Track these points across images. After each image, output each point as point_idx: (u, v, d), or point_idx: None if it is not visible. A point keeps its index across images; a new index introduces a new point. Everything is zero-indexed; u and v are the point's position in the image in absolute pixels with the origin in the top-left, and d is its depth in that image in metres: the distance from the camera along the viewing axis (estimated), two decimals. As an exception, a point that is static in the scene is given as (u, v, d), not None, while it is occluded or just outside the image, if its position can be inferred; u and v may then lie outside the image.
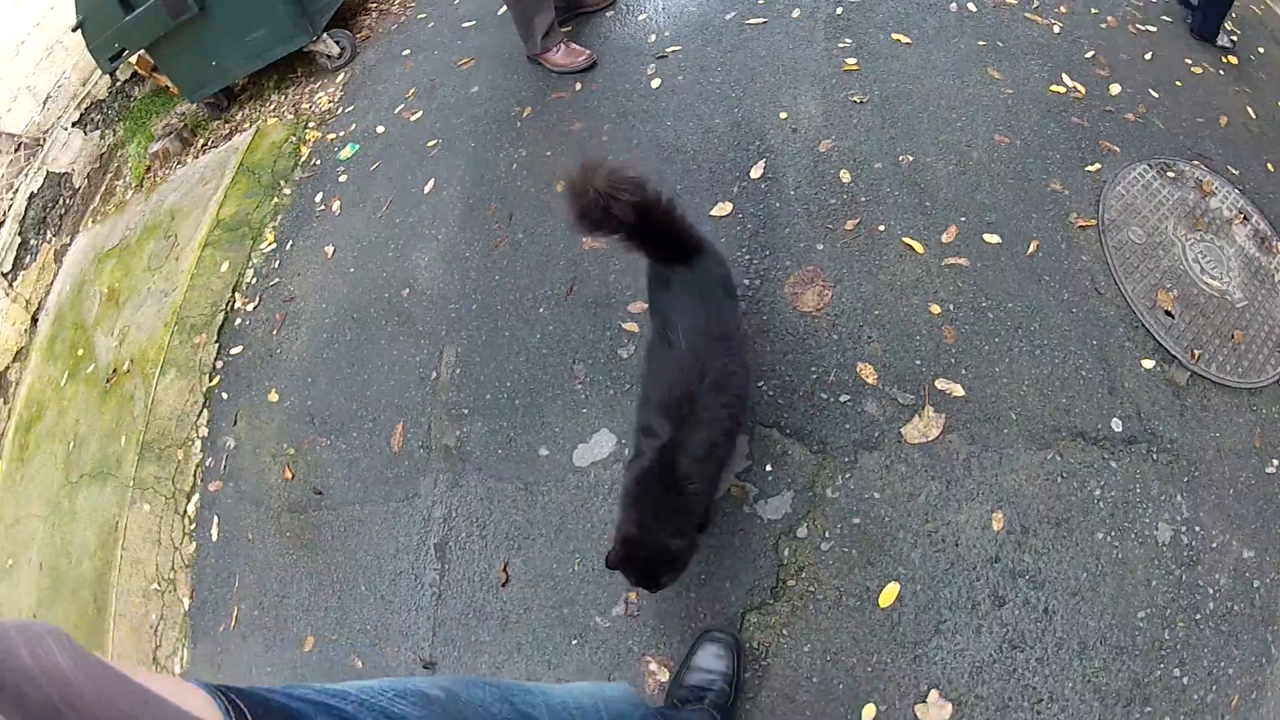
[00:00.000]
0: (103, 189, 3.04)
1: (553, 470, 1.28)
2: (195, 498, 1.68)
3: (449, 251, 1.64)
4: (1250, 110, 1.65)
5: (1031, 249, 1.31)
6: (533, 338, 1.43)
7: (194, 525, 1.66)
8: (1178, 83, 1.63)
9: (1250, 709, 1.08)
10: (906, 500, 1.11)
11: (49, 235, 2.87)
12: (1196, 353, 1.25)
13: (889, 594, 1.05)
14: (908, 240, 1.32)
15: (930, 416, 1.15)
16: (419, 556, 1.33)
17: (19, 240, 2.77)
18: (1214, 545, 1.12)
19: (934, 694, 1.00)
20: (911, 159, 1.42)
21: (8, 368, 2.59)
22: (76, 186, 3.00)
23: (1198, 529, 1.12)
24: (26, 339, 2.61)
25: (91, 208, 2.96)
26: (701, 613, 1.10)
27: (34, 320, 2.65)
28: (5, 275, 2.70)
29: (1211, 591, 1.10)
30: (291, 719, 0.41)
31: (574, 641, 1.14)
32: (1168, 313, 1.29)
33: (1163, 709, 1.03)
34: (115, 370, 2.06)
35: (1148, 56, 1.66)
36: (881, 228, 1.33)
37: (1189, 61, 1.69)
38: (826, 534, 1.10)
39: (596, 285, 1.44)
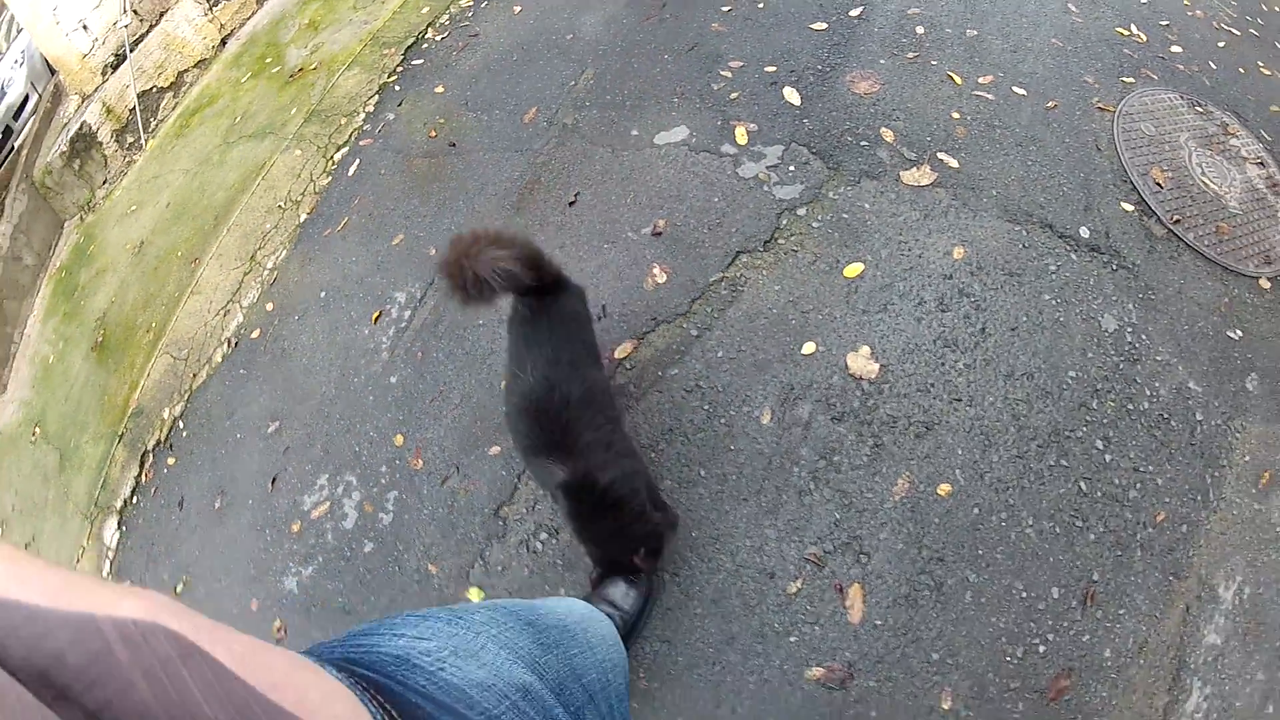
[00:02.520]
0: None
1: (636, 143, 2.34)
2: (345, 149, 2.88)
3: (612, 18, 2.86)
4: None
5: (1050, 105, 2.26)
6: (653, 71, 2.54)
7: (335, 166, 2.85)
8: (1240, 69, 2.55)
9: (1179, 538, 1.69)
10: (889, 216, 2.04)
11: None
12: (1177, 218, 2.10)
13: (854, 270, 1.96)
14: (950, 73, 2.32)
15: (926, 171, 2.10)
16: (512, 187, 2.40)
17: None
18: (1158, 358, 1.88)
19: (866, 349, 1.86)
20: (975, 33, 2.44)
21: (186, 70, 4.06)
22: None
23: (1144, 336, 1.90)
24: (212, 54, 4.08)
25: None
26: (703, 241, 2.07)
27: (223, 42, 4.14)
28: (209, 1, 4.24)
29: (1149, 394, 1.83)
30: None
31: (607, 245, 2.14)
32: (1158, 184, 2.16)
33: (1078, 470, 1.72)
34: (302, 69, 3.40)
35: (1220, 44, 2.61)
36: (934, 62, 2.35)
37: (1260, 63, 2.60)
38: (819, 218, 2.05)
39: (710, 49, 2.53)
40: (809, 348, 1.84)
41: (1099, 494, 1.70)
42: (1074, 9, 2.57)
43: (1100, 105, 2.29)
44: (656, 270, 2.05)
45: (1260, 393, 1.88)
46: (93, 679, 0.29)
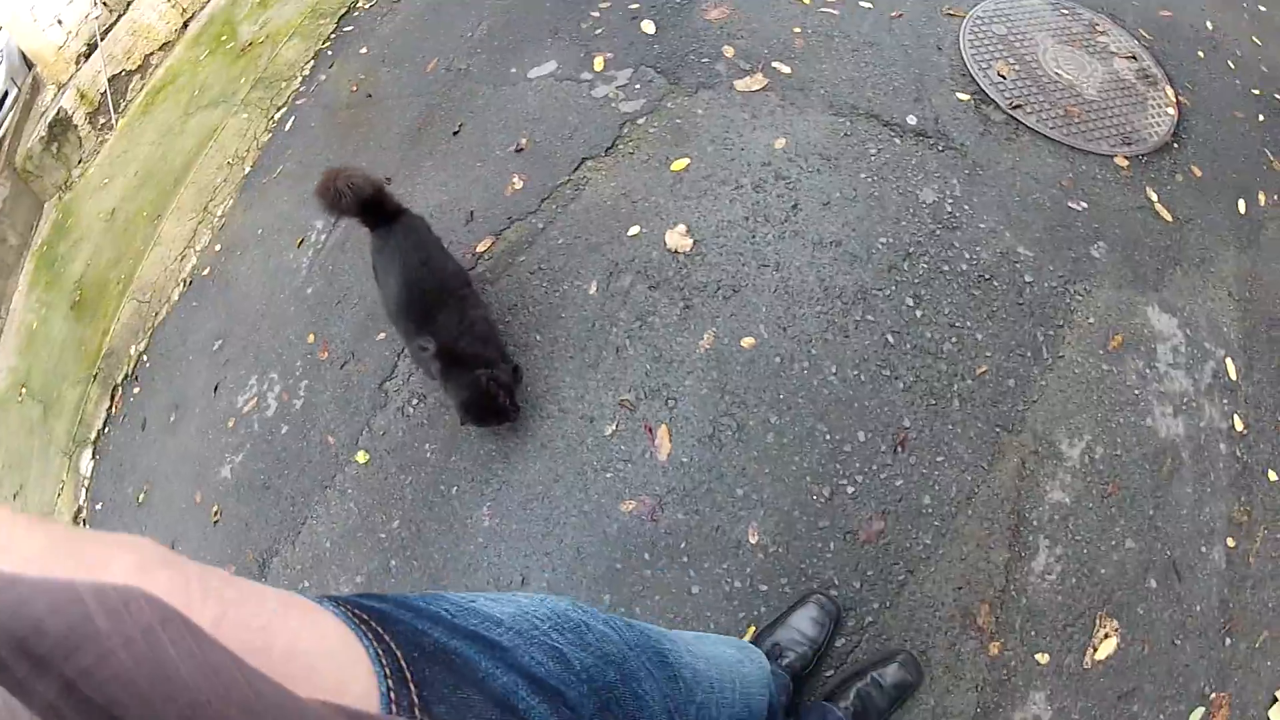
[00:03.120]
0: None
1: (513, 79, 3.08)
2: (284, 109, 3.70)
3: None
4: (1209, 23, 3.04)
5: (895, 14, 2.88)
6: (536, 17, 3.29)
7: (275, 124, 3.67)
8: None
9: (1004, 392, 2.06)
10: (719, 118, 2.70)
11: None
12: (1017, 105, 2.67)
13: (679, 164, 2.64)
14: None
15: (759, 78, 2.76)
16: (412, 125, 3.16)
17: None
18: (982, 226, 2.42)
19: (683, 227, 2.54)
20: None
21: (152, 53, 5.00)
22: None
23: (966, 207, 2.47)
24: (175, 36, 5.01)
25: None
26: (556, 152, 2.77)
27: (185, 25, 5.07)
28: (173, -11, 5.18)
29: (968, 257, 2.38)
30: (451, 664, 0.54)
31: (479, 164, 2.87)
32: (1001, 75, 2.74)
33: (885, 325, 2.25)
34: (252, 43, 4.26)
35: None
36: None
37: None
38: (655, 125, 2.74)
39: None
40: (634, 230, 2.51)
41: (908, 346, 2.13)
42: None
43: (950, 11, 2.89)
44: (516, 179, 2.77)
45: (1110, 261, 2.27)
46: (72, 647, 0.31)
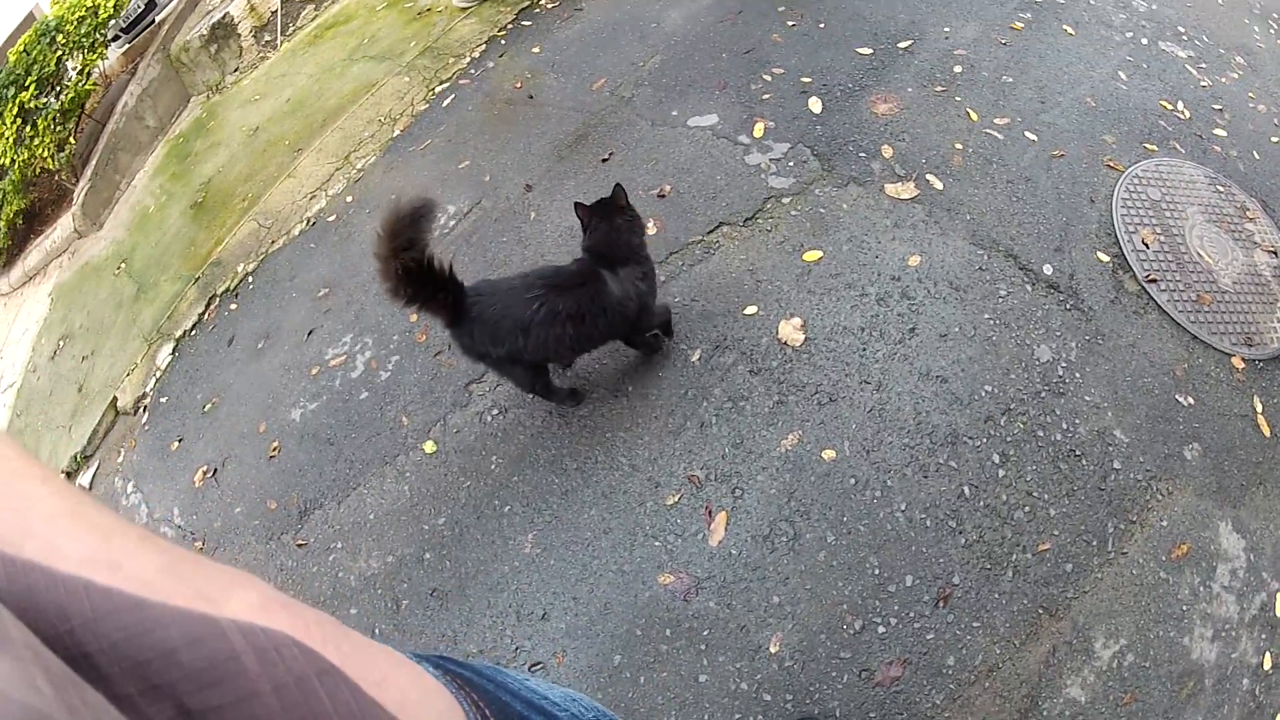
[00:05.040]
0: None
1: (672, 121, 3.23)
2: (446, 85, 3.93)
3: (694, 15, 3.80)
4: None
5: (1056, 153, 2.94)
6: (709, 65, 3.43)
7: (434, 96, 3.89)
8: (1290, 170, 3.12)
9: (1060, 575, 1.94)
10: (861, 220, 2.79)
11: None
12: (1153, 278, 2.66)
13: (812, 255, 2.74)
14: (969, 110, 3.05)
15: (910, 187, 2.85)
16: (564, 139, 3.33)
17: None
18: (1087, 399, 2.42)
19: (798, 320, 2.64)
20: (1010, 80, 3.16)
21: (331, -12, 5.31)
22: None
23: (1077, 375, 2.45)
24: (359, -24, 5.32)
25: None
26: (696, 209, 2.90)
27: (370, -32, 5.37)
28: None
29: (1065, 427, 2.36)
30: None
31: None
32: (1145, 243, 2.77)
33: (966, 474, 2.27)
34: (430, 9, 4.51)
35: (1274, 139, 3.19)
36: (958, 98, 3.09)
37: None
38: (799, 208, 2.85)
39: (763, 55, 3.39)
40: (751, 310, 2.60)
41: (981, 503, 2.11)
42: (1123, 76, 3.22)
43: (1110, 163, 2.92)
44: (651, 224, 2.90)
45: (1200, 465, 2.21)
46: (209, 682, 0.32)
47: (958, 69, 3.24)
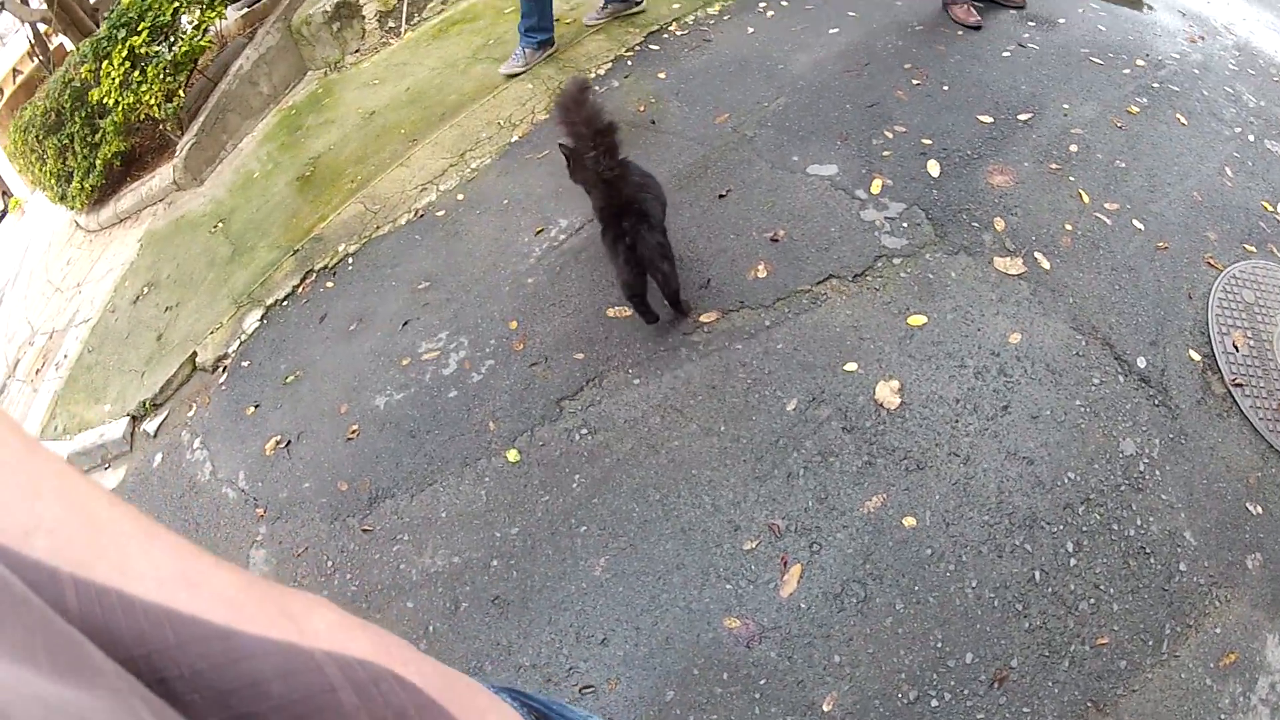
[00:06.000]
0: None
1: (792, 167, 3.32)
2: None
3: (820, 61, 3.92)
4: None
5: (1161, 245, 2.96)
6: (833, 114, 3.53)
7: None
8: None
9: (1114, 671, 1.94)
10: (968, 290, 2.84)
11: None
12: (1239, 382, 2.69)
13: (916, 320, 2.77)
14: (1082, 191, 3.09)
15: (1018, 263, 2.89)
16: (683, 169, 3.43)
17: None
18: (1163, 498, 2.46)
19: (896, 384, 2.68)
20: (1123, 165, 3.19)
21: (461, -15, 5.53)
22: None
23: (1157, 473, 2.50)
24: (488, -24, 5.54)
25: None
26: (808, 257, 2.98)
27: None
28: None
29: (1139, 524, 2.42)
30: None
31: (734, 236, 3.11)
32: (1235, 346, 2.78)
33: (1039, 559, 2.32)
34: (558, 19, 4.68)
35: None
36: (1071, 178, 3.13)
37: None
38: (908, 271, 2.90)
39: (886, 111, 3.47)
40: (851, 366, 2.67)
41: (1049, 590, 2.15)
42: (1229, 174, 3.24)
43: (1210, 260, 2.94)
44: (761, 267, 2.99)
45: (1260, 576, 2.22)
46: (301, 714, 0.33)
47: (1073, 148, 3.31)
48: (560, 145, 2.82)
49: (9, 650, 0.28)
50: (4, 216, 22.17)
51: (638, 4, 4.68)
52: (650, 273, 2.65)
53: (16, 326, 6.99)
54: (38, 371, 5.36)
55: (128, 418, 4.02)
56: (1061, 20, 4.18)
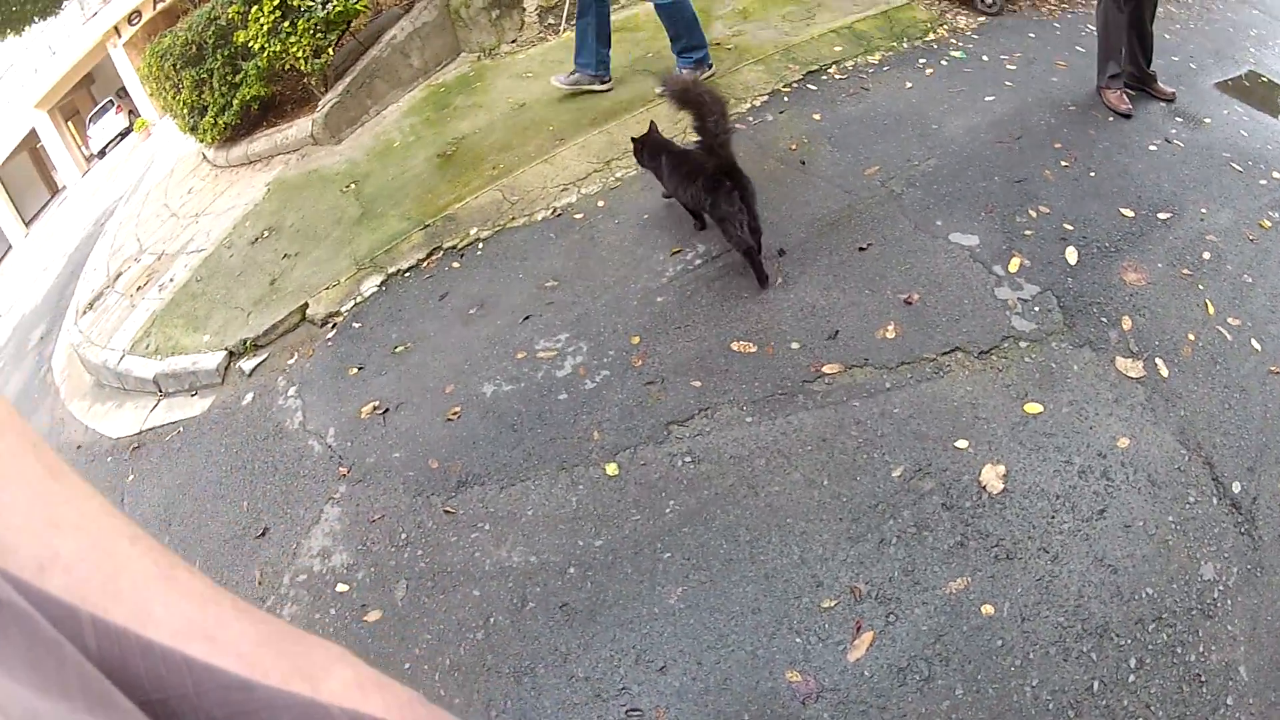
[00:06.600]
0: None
1: (934, 231, 3.39)
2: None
3: (974, 128, 4.01)
4: None
5: (1274, 369, 2.90)
6: (980, 183, 3.56)
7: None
8: None
9: None
10: (1087, 386, 2.83)
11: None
12: None
13: (1033, 408, 2.77)
14: (1209, 301, 3.07)
15: (1138, 367, 2.88)
16: (826, 215, 3.50)
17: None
18: (1229, 629, 2.31)
19: (1002, 469, 2.67)
20: (1250, 280, 3.18)
21: (627, -7, 5.72)
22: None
23: (1229, 603, 2.40)
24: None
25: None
26: (937, 325, 3.01)
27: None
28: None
29: (1200, 651, 2.28)
30: None
31: (868, 291, 3.16)
32: None
33: (1100, 670, 2.25)
34: (719, 43, 4.83)
35: None
36: (1200, 286, 3.13)
37: None
38: (1032, 356, 2.91)
39: (1032, 189, 3.48)
40: (961, 444, 2.70)
41: (1102, 703, 2.12)
42: None
43: None
44: (890, 328, 3.05)
45: None
46: None
47: (1206, 255, 3.34)
48: (632, 139, 3.45)
49: (43, 684, 0.29)
50: (129, 133, 23.64)
51: (604, 82, 4.91)
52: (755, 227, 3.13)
53: (124, 240, 7.43)
54: (139, 288, 5.70)
55: (225, 352, 4.26)
56: (1207, 120, 4.26)
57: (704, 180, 3.17)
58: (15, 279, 15.17)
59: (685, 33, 4.48)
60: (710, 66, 4.63)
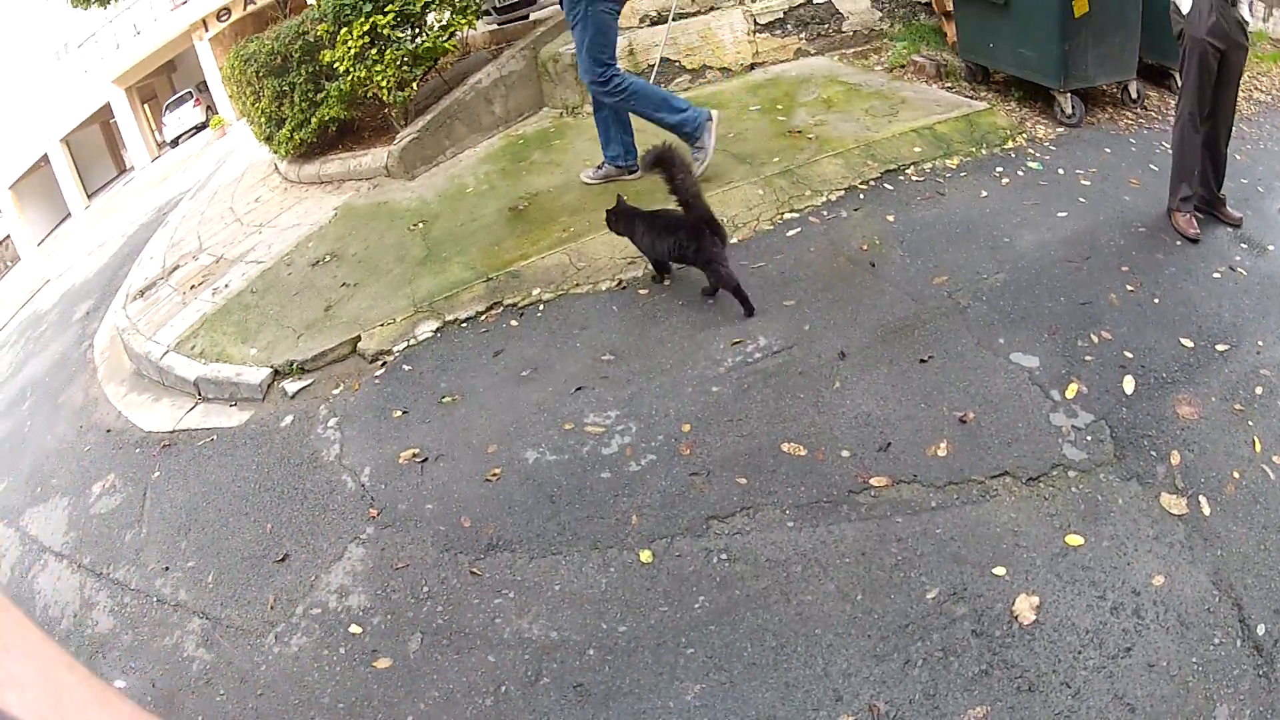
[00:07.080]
0: (859, 47, 6.42)
1: (996, 350, 3.45)
2: (795, 215, 4.32)
3: (1044, 244, 4.08)
4: None
5: None
6: (1046, 302, 3.63)
7: (780, 221, 4.28)
8: None
9: None
10: (1129, 520, 2.81)
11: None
12: None
13: (1074, 540, 2.73)
14: (1257, 438, 3.05)
15: (1182, 504, 2.86)
16: (891, 322, 3.58)
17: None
18: None
19: (1036, 600, 2.65)
20: None
21: (711, 67, 5.94)
22: (843, 30, 6.42)
23: None
24: (738, 69, 5.92)
25: (850, 49, 6.31)
26: (989, 447, 3.04)
27: (751, 67, 5.97)
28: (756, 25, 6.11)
29: None
30: None
31: (924, 405, 3.21)
32: None
33: None
34: (801, 131, 4.98)
35: None
36: (1250, 422, 3.09)
37: None
38: (1080, 486, 2.90)
39: (1096, 313, 3.52)
40: (999, 570, 2.70)
41: None
42: None
43: None
44: (942, 445, 3.09)
45: None
46: None
47: (1259, 390, 3.34)
48: (606, 211, 3.96)
49: None
50: (204, 128, 24.56)
51: (632, 172, 5.02)
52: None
53: (185, 235, 7.70)
54: (193, 287, 5.89)
55: (270, 369, 4.38)
56: (1270, 247, 4.32)
57: (686, 230, 3.70)
58: (70, 248, 15.71)
59: (667, 113, 4.62)
60: (710, 119, 4.72)
